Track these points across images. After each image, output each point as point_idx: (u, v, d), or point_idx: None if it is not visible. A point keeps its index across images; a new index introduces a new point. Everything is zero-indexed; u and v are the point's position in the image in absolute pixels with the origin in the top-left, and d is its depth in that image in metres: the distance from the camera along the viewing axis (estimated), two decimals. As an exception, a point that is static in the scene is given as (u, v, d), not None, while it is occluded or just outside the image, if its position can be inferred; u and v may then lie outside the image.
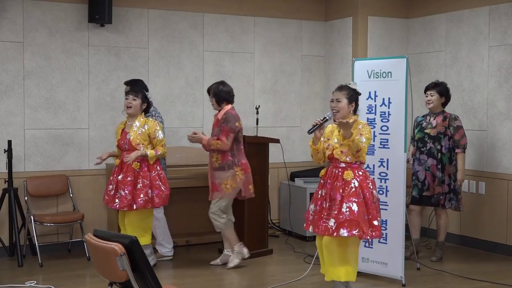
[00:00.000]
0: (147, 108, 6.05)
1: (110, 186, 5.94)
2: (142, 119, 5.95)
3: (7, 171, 6.44)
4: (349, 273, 4.88)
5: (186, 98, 7.52)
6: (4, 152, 6.46)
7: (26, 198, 6.63)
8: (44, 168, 6.83)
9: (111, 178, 5.98)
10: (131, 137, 5.87)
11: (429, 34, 7.68)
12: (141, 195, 5.82)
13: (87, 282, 5.86)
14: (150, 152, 5.84)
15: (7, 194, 6.41)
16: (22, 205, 6.59)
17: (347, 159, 4.81)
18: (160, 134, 5.94)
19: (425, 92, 6.53)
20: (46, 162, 6.84)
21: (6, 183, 6.42)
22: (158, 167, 5.97)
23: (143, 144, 5.88)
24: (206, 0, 7.58)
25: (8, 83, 6.69)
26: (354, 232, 4.71)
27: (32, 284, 5.69)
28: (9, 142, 6.47)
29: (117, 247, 3.23)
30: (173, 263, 6.46)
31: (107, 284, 3.56)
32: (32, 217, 6.46)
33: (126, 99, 5.96)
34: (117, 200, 5.87)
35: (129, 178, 5.83)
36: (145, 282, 3.31)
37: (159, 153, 5.91)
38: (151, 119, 6.04)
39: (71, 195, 6.88)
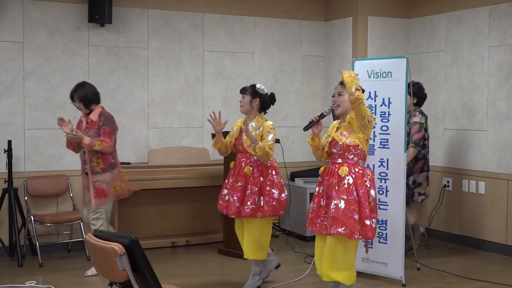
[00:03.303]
0: (264, 104, 5.54)
1: (225, 191, 5.55)
2: (260, 120, 5.49)
3: (7, 171, 6.44)
4: (350, 277, 4.66)
5: (186, 98, 7.52)
6: (4, 152, 6.47)
7: (26, 198, 6.63)
8: (44, 168, 6.83)
9: (226, 181, 5.60)
10: (244, 138, 5.42)
11: (429, 34, 7.68)
12: (248, 203, 5.33)
13: (87, 282, 5.86)
14: (261, 144, 5.21)
15: (7, 194, 6.42)
16: (22, 205, 6.59)
17: (347, 141, 4.57)
18: (270, 137, 5.36)
19: None
20: (46, 162, 6.84)
21: (6, 183, 6.42)
22: (273, 171, 5.44)
23: None
24: (206, 0, 7.58)
25: (8, 83, 6.69)
26: (339, 230, 4.48)
27: (32, 284, 5.69)
28: (9, 142, 6.47)
29: (117, 247, 3.23)
30: (173, 263, 6.47)
31: (107, 284, 3.56)
32: (32, 217, 6.46)
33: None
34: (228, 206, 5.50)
35: (239, 183, 5.40)
36: (145, 282, 3.30)
37: (263, 154, 5.26)
38: (269, 121, 5.51)
39: (71, 195, 6.88)
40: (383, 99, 5.83)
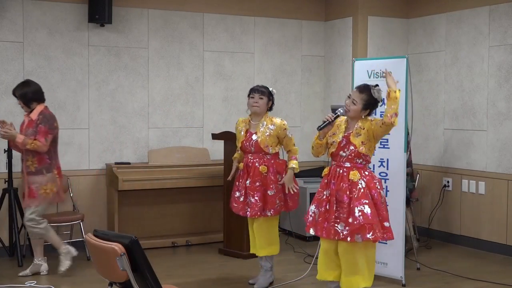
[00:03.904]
0: (271, 106, 5.68)
1: (238, 193, 5.61)
2: (267, 118, 5.57)
3: (7, 171, 6.44)
4: (366, 279, 4.65)
5: (186, 98, 7.52)
6: (4, 152, 6.46)
7: (26, 198, 6.63)
8: (44, 168, 6.82)
9: (237, 183, 5.64)
10: (259, 139, 5.48)
11: (429, 34, 7.68)
12: (277, 201, 5.49)
13: (87, 282, 5.86)
14: (295, 164, 5.49)
15: (7, 194, 6.42)
16: (22, 205, 6.58)
17: (365, 150, 4.59)
18: (289, 133, 5.57)
19: None
20: (46, 162, 6.84)
21: (6, 183, 6.42)
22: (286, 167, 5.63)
23: (271, 146, 5.50)
24: (206, 0, 7.58)
25: (8, 83, 6.69)
26: (368, 236, 4.47)
27: (32, 284, 5.69)
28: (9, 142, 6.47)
29: (117, 247, 3.23)
30: (173, 263, 6.47)
31: (107, 284, 3.56)
32: (32, 217, 6.46)
33: (252, 98, 5.56)
34: (247, 207, 5.53)
35: (257, 184, 5.47)
36: (145, 282, 3.31)
37: (298, 156, 5.57)
38: (276, 117, 5.61)
39: (71, 195, 6.88)
40: (383, 99, 5.81)
